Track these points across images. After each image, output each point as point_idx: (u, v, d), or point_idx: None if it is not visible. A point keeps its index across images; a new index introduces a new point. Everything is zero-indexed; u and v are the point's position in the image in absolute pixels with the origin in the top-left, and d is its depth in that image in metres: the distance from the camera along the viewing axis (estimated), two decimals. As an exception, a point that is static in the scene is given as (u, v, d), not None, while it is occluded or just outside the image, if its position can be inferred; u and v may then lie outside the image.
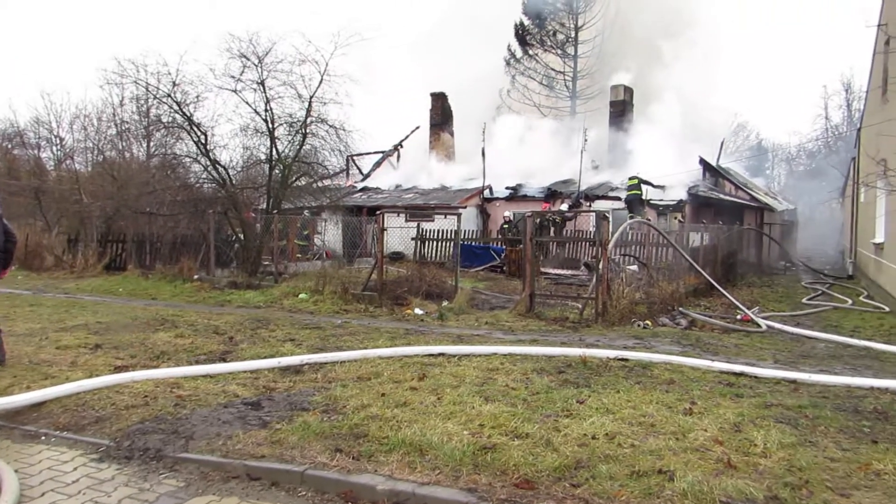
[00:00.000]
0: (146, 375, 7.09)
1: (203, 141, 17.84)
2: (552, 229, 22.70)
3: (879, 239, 16.94)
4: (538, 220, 23.11)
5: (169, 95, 17.65)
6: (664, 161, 25.72)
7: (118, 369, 7.55)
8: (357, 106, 18.32)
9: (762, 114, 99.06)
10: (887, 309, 14.14)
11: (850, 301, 15.74)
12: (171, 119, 18.35)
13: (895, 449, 5.06)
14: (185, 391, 6.62)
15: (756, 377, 7.33)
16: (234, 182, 18.56)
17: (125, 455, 5.14)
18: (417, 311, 12.72)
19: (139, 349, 8.84)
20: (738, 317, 12.29)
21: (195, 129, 17.79)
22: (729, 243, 19.35)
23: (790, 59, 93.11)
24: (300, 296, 14.22)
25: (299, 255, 22.31)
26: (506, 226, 24.36)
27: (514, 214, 24.58)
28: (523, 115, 38.07)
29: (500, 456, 4.81)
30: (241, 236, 18.42)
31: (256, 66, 17.30)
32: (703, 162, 27.00)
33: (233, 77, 17.42)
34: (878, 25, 18.13)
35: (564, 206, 25.48)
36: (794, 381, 7.13)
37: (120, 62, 18.51)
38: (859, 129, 26.10)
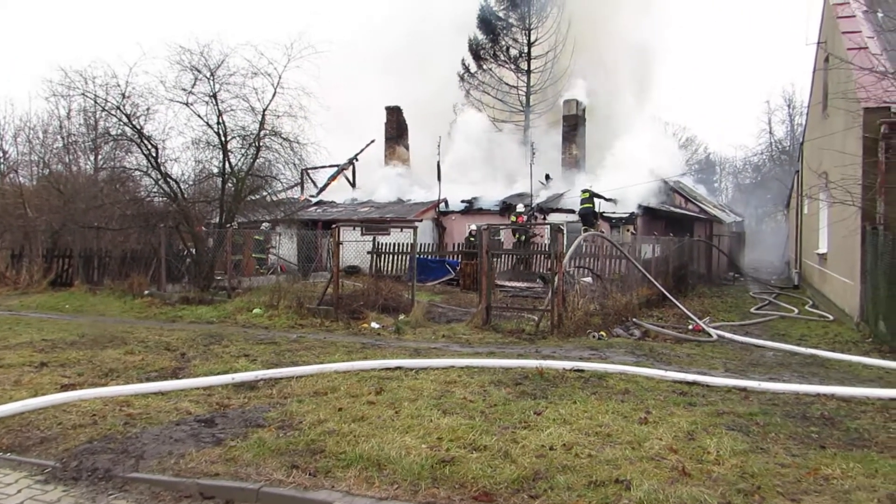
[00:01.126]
0: (94, 394, 6.89)
1: (154, 154, 17.50)
2: (522, 242, 22.93)
3: (823, 249, 17.46)
4: (521, 235, 23.32)
5: (118, 108, 17.30)
6: (616, 174, 26.16)
7: (65, 388, 7.33)
8: (312, 119, 18.16)
9: (710, 128, 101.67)
10: (832, 318, 14.58)
11: (796, 310, 16.18)
12: (120, 132, 17.96)
13: (843, 454, 5.21)
14: (135, 409, 6.45)
15: (708, 386, 7.47)
16: (185, 196, 18.22)
17: (72, 476, 4.98)
18: (374, 324, 12.64)
19: (87, 367, 8.59)
20: (690, 327, 12.52)
21: (146, 142, 17.45)
22: (680, 255, 19.74)
23: (736, 75, 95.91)
24: (254, 311, 14.02)
25: (259, 270, 22.02)
26: (472, 238, 24.34)
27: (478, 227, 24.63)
28: (478, 128, 38.38)
29: (459, 469, 4.79)
30: (194, 251, 18.10)
31: (208, 78, 17.09)
32: (653, 175, 27.49)
33: (184, 90, 17.16)
34: (818, 43, 18.79)
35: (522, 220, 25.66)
36: (744, 390, 7.29)
37: (67, 73, 18.08)
38: (802, 144, 26.95)
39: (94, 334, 11.31)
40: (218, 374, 8.08)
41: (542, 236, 24.79)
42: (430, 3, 47.17)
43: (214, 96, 17.25)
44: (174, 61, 16.98)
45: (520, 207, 24.92)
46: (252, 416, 6.22)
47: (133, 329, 12.16)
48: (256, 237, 22.24)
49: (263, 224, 21.69)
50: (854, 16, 15.01)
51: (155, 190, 18.30)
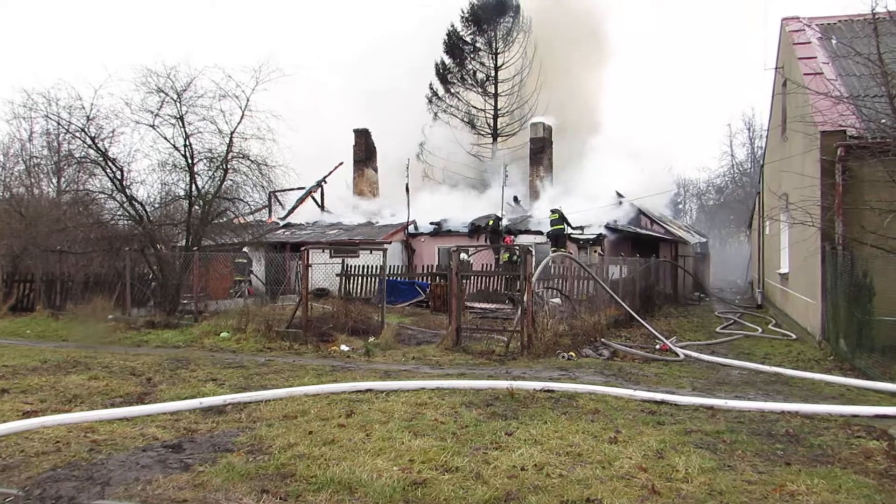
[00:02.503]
0: (58, 420, 6.75)
1: (119, 177, 17.28)
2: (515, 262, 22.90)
3: (784, 269, 17.83)
4: (514, 256, 23.26)
5: (82, 130, 17.06)
6: (582, 196, 26.49)
7: (27, 414, 7.16)
8: (280, 142, 18.11)
9: (673, 150, 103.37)
10: (794, 336, 14.86)
11: (759, 329, 16.47)
12: (84, 154, 17.70)
13: (807, 470, 5.31)
14: (100, 435, 6.33)
15: (676, 405, 7.56)
16: (151, 219, 18.01)
17: (35, 505, 4.86)
18: (344, 347, 12.58)
19: (49, 393, 8.40)
20: (658, 346, 12.67)
21: (111, 164, 17.23)
22: (646, 276, 20.00)
23: (697, 99, 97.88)
24: (222, 334, 13.87)
25: (232, 293, 21.81)
26: (467, 256, 23.99)
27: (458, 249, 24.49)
28: (445, 151, 38.67)
29: (431, 491, 4.78)
30: (160, 274, 17.85)
31: (175, 100, 16.97)
32: (619, 196, 27.89)
33: (151, 112, 17.01)
34: (776, 68, 19.32)
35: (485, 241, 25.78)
36: (711, 408, 7.39)
37: (30, 95, 17.82)
38: (762, 166, 27.58)
39: (56, 360, 11.07)
40: (185, 398, 7.97)
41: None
42: (398, 25, 47.62)
43: (181, 118, 17.13)
44: (140, 83, 16.86)
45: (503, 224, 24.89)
46: (221, 441, 6.15)
47: (97, 354, 11.93)
48: (240, 259, 22.10)
49: (245, 248, 21.53)
50: (809, 42, 15.49)
51: (120, 213, 18.06)
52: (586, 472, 5.17)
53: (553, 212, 23.77)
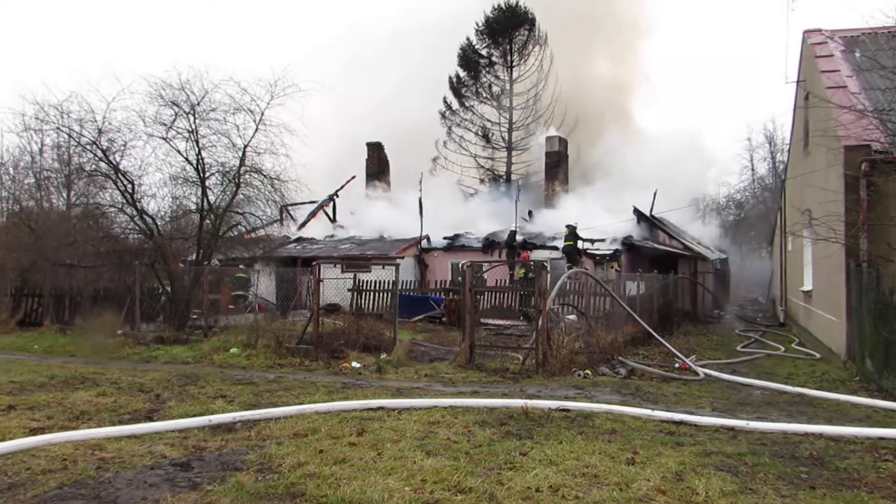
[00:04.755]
0: (65, 437, 6.78)
1: (130, 190, 17.45)
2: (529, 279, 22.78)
3: (808, 287, 17.67)
4: (529, 272, 23.13)
5: (94, 143, 17.26)
6: (599, 211, 26.46)
7: (34, 431, 7.19)
8: (294, 157, 18.23)
9: (692, 165, 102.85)
10: (818, 356, 14.70)
11: (782, 348, 16.31)
12: (94, 167, 17.91)
13: (833, 494, 5.23)
14: (107, 453, 6.35)
15: (696, 425, 7.49)
16: (162, 232, 18.14)
17: (41, 524, 4.87)
18: (355, 364, 12.58)
19: (57, 409, 8.44)
20: (676, 365, 12.58)
21: (122, 177, 17.41)
22: (665, 292, 19.89)
23: (716, 112, 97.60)
24: (231, 350, 13.92)
25: (235, 307, 21.85)
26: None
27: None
28: (459, 166, 38.82)
29: (444, 512, 4.75)
30: (169, 289, 17.95)
31: (188, 113, 17.14)
32: (637, 212, 27.83)
33: (164, 124, 17.19)
34: (798, 81, 19.26)
35: (503, 256, 25.76)
36: (732, 429, 7.31)
37: (42, 107, 18.04)
38: (784, 181, 27.42)
39: (64, 375, 11.14)
40: (194, 415, 7.98)
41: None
42: (410, 39, 47.89)
43: (195, 132, 17.30)
44: (154, 95, 17.04)
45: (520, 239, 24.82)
46: (230, 460, 6.14)
47: (105, 370, 12.00)
48: (240, 274, 22.15)
49: (241, 265, 21.60)
50: (832, 55, 15.43)
51: (130, 227, 18.21)
52: (603, 495, 5.12)
53: (568, 227, 23.75)
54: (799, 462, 6.12)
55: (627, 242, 25.05)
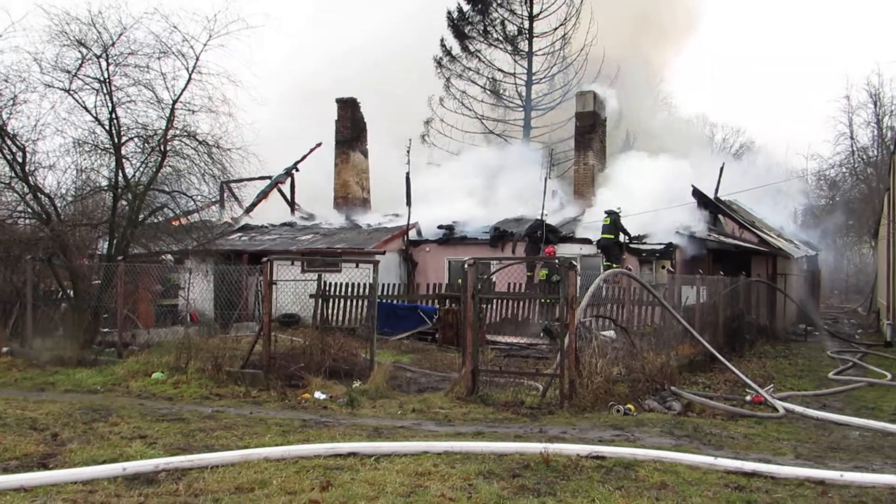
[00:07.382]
0: (-72, 491, 6.77)
1: (20, 159, 17.39)
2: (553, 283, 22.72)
3: (924, 294, 17.71)
4: (554, 275, 23.02)
5: (-30, 96, 17.25)
6: (647, 193, 26.39)
7: None
8: (239, 117, 18.21)
9: (773, 132, 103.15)
10: (937, 385, 14.74)
11: (889, 375, 16.34)
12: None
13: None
14: (-14, 512, 6.35)
15: (773, 477, 7.49)
16: (62, 216, 18.10)
17: None
18: (319, 394, 12.58)
19: (-81, 453, 8.44)
20: (748, 398, 12.61)
21: (9, 142, 17.35)
22: (733, 301, 19.91)
23: (804, 63, 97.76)
24: (154, 375, 13.94)
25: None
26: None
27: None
28: (461, 131, 38.72)
29: None
30: (72, 292, 17.93)
31: (100, 57, 17.13)
32: (697, 194, 27.79)
33: (67, 71, 17.16)
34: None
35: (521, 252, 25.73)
36: (822, 482, 7.32)
37: None
38: (894, 153, 27.43)
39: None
40: (103, 462, 7.97)
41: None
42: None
43: (108, 81, 17.29)
44: (56, 32, 17.00)
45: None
46: (150, 522, 6.14)
47: (-15, 400, 11.99)
48: (172, 273, 22.13)
49: (166, 256, 21.56)
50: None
51: (20, 208, 18.17)
52: (649, 571, 5.12)
53: (608, 214, 23.64)
54: (910, 528, 6.13)
55: (684, 234, 25.05)
